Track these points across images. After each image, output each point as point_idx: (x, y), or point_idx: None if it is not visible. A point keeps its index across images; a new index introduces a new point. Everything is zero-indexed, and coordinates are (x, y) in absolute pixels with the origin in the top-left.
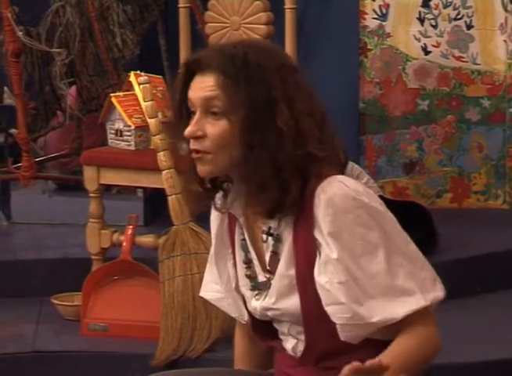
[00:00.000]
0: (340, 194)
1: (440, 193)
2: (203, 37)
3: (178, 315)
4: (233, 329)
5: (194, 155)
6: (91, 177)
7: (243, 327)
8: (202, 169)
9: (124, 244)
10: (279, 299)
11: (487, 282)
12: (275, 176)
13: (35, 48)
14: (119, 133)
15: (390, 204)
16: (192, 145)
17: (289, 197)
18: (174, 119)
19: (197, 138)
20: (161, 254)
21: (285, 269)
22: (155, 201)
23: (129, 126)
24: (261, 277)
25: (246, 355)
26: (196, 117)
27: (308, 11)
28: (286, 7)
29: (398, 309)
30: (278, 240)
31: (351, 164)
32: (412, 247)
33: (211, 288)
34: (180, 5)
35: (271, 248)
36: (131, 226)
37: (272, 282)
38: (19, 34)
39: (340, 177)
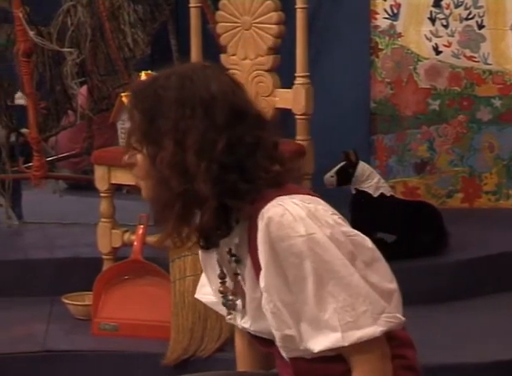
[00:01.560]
0: (276, 221)
1: (451, 193)
2: (214, 36)
3: (188, 314)
4: None
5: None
6: (101, 176)
7: (241, 329)
8: (142, 193)
9: (135, 243)
10: (254, 322)
11: (498, 282)
12: (167, 211)
13: (46, 47)
14: None
15: (401, 204)
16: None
17: (186, 231)
18: None
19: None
20: (172, 253)
21: (252, 292)
22: None
23: None
24: (230, 296)
25: (246, 356)
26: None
27: (319, 10)
28: (297, 6)
29: (318, 342)
30: (238, 261)
31: (361, 164)
32: (356, 277)
33: (208, 291)
34: (191, 5)
35: (233, 270)
36: (142, 226)
37: (238, 303)
38: (31, 33)
39: (283, 200)
